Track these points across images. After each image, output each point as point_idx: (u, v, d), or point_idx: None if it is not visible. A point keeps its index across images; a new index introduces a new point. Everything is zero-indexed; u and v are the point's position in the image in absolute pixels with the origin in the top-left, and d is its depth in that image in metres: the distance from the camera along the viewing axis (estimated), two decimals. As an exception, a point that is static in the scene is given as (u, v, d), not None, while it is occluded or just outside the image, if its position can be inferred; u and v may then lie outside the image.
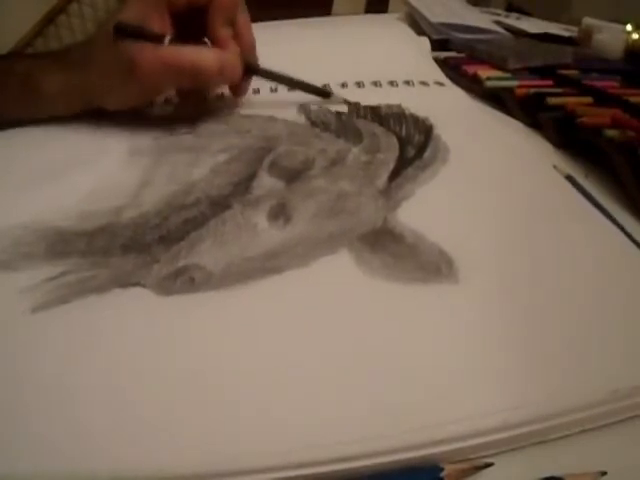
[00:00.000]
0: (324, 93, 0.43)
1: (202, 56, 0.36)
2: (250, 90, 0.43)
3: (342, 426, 0.19)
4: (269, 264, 0.26)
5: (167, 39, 0.36)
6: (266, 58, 0.49)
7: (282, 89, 0.45)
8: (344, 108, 0.42)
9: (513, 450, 0.19)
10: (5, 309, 0.24)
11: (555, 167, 0.35)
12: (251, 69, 0.40)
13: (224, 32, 0.38)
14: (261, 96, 0.44)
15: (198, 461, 0.18)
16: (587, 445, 0.20)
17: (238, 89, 0.42)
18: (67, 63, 0.39)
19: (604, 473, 0.18)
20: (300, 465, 0.18)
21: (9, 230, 0.28)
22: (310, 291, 0.25)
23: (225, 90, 0.43)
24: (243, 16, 0.40)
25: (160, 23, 0.37)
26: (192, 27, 0.38)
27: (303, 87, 0.43)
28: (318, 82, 0.46)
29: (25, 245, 0.28)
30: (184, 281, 0.25)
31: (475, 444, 0.19)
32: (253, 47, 0.41)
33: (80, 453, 0.18)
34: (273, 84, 0.44)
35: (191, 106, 0.42)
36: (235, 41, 0.38)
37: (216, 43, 0.38)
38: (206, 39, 0.39)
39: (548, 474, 0.18)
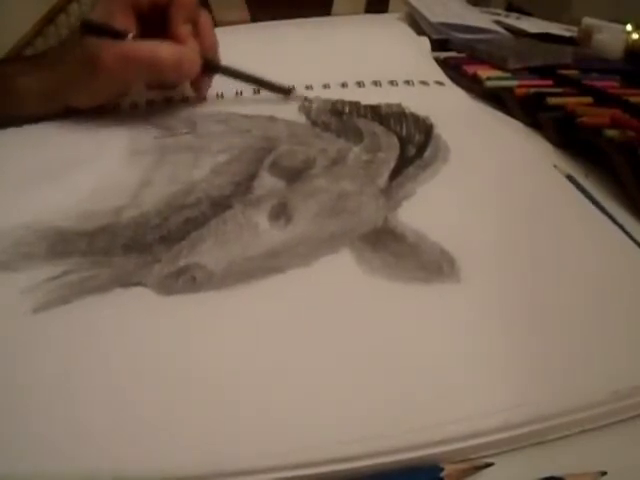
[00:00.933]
0: (285, 90, 0.43)
1: (160, 49, 0.37)
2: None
3: (342, 426, 0.19)
4: (270, 264, 0.26)
5: (130, 36, 0.38)
6: (266, 58, 0.49)
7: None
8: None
9: (513, 450, 0.19)
10: (6, 309, 0.24)
11: (555, 167, 0.35)
12: (211, 66, 0.42)
13: (183, 29, 0.39)
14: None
15: (199, 461, 0.18)
16: (587, 445, 0.20)
17: (199, 86, 0.43)
18: (41, 64, 0.40)
19: (604, 473, 0.18)
20: (300, 465, 0.18)
21: (10, 230, 0.28)
22: (311, 291, 0.25)
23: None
24: (204, 16, 0.42)
25: (125, 21, 0.39)
26: (156, 27, 0.39)
27: (264, 85, 0.44)
28: (320, 82, 0.46)
29: (26, 245, 0.28)
30: (185, 280, 0.25)
31: (475, 444, 0.19)
32: (214, 45, 0.43)
33: (81, 453, 0.18)
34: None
35: (158, 109, 0.43)
36: (196, 40, 0.40)
37: (176, 39, 0.39)
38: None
39: (548, 474, 0.18)
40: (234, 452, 0.18)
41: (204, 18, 0.42)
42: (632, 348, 0.22)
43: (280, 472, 0.18)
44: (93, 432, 0.19)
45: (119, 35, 0.38)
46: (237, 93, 0.45)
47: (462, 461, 0.19)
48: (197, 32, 0.40)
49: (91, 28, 0.38)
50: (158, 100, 0.44)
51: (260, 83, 0.44)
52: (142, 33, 0.39)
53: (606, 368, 0.21)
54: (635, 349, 0.22)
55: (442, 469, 0.18)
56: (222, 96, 0.44)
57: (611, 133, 0.35)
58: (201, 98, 0.44)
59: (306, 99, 0.43)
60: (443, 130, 0.38)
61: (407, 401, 0.20)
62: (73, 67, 0.38)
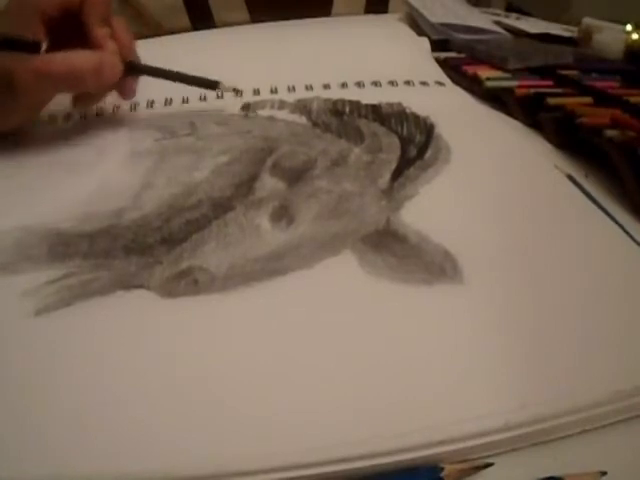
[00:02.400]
0: (211, 84, 0.41)
1: (78, 59, 0.35)
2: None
3: (343, 427, 0.19)
4: (272, 265, 0.26)
5: (43, 47, 0.35)
6: (266, 59, 0.49)
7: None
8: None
9: (513, 450, 0.19)
10: (7, 312, 0.24)
11: (556, 167, 0.35)
12: (132, 67, 0.39)
13: (100, 32, 0.37)
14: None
15: (200, 462, 0.18)
16: (587, 445, 0.20)
17: (124, 90, 0.40)
18: None
19: (604, 473, 0.18)
20: (301, 466, 0.18)
21: (10, 232, 0.29)
22: (314, 293, 0.25)
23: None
24: (117, 19, 0.39)
25: (35, 32, 0.36)
26: (69, 38, 0.37)
27: (189, 80, 0.41)
28: (320, 82, 0.46)
29: (27, 247, 0.28)
30: (187, 283, 0.25)
31: (476, 445, 0.19)
32: (132, 45, 0.40)
33: (83, 456, 0.18)
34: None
35: (89, 118, 0.42)
36: (113, 42, 0.38)
37: (94, 44, 0.37)
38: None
39: (548, 474, 0.18)
40: (235, 453, 0.18)
41: (117, 21, 0.39)
42: (633, 348, 0.22)
43: (280, 472, 0.18)
44: (95, 435, 0.19)
45: (31, 48, 0.35)
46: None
47: (462, 461, 0.19)
48: (113, 33, 0.38)
49: None
50: (82, 114, 0.42)
51: (185, 80, 0.41)
52: (55, 42, 0.36)
53: (608, 368, 0.21)
54: (636, 349, 0.22)
55: (442, 469, 0.18)
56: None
57: (611, 133, 0.35)
58: (128, 100, 0.41)
59: (235, 90, 0.41)
60: (444, 130, 0.38)
61: (408, 401, 0.20)
62: None
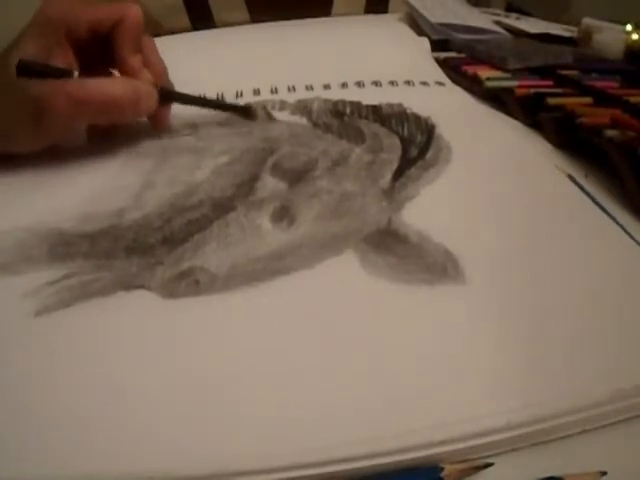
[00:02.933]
0: (249, 113, 0.41)
1: (115, 87, 0.34)
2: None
3: (343, 427, 0.19)
4: (274, 266, 0.26)
5: (76, 74, 0.33)
6: (266, 59, 0.49)
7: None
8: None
9: (513, 450, 0.19)
10: (7, 313, 0.24)
11: (556, 167, 0.35)
12: (166, 95, 0.38)
13: (135, 60, 0.35)
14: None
15: (201, 462, 0.18)
16: (587, 445, 0.20)
17: (157, 120, 0.39)
18: None
19: (604, 473, 0.18)
20: (301, 466, 0.18)
21: (11, 232, 0.29)
22: (315, 293, 0.25)
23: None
24: (147, 39, 0.38)
25: (63, 56, 0.34)
26: (97, 59, 0.36)
27: (224, 107, 0.41)
28: (320, 82, 0.46)
29: (27, 248, 0.28)
30: (188, 284, 0.25)
31: (476, 445, 0.19)
32: (165, 72, 0.39)
33: (83, 456, 0.18)
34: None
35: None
36: (146, 68, 0.36)
37: (127, 72, 0.35)
38: (113, 70, 0.37)
39: (548, 474, 0.18)
40: (236, 453, 0.18)
41: (148, 42, 0.38)
42: (634, 347, 0.22)
43: (281, 473, 0.18)
44: (95, 434, 0.19)
45: (62, 74, 0.33)
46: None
47: (462, 461, 0.19)
48: (145, 60, 0.36)
49: (29, 69, 0.32)
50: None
51: (218, 106, 0.41)
52: (84, 67, 0.35)
53: (608, 367, 0.21)
54: (637, 348, 0.22)
55: (442, 469, 0.18)
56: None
57: (611, 133, 0.35)
58: (161, 130, 0.39)
59: (267, 114, 0.41)
60: (445, 131, 0.38)
61: (408, 401, 0.20)
62: (13, 113, 0.34)
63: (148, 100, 0.35)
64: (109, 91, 0.33)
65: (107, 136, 0.38)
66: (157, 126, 0.39)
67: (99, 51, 0.36)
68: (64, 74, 0.33)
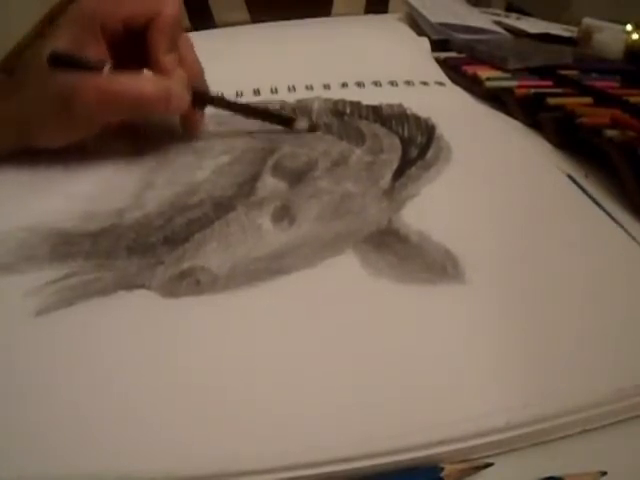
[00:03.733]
0: (287, 121, 0.39)
1: (145, 83, 0.33)
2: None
3: (343, 427, 0.19)
4: (274, 265, 0.26)
5: (107, 67, 0.33)
6: (267, 59, 0.49)
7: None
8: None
9: (513, 450, 0.19)
10: (9, 312, 0.24)
11: (556, 167, 0.35)
12: (200, 98, 0.37)
13: (168, 58, 0.34)
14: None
15: (201, 462, 0.18)
16: (587, 445, 0.20)
17: (190, 122, 0.38)
18: (3, 91, 0.35)
19: (604, 473, 0.18)
20: (300, 466, 0.18)
21: (13, 232, 0.29)
22: (316, 293, 0.25)
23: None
24: (184, 37, 0.37)
25: (96, 50, 0.34)
26: (132, 55, 0.35)
27: (263, 115, 0.39)
28: (320, 82, 0.46)
29: (28, 247, 0.28)
30: (189, 283, 0.25)
31: (476, 444, 0.19)
32: (201, 73, 0.38)
33: (85, 456, 0.18)
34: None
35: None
36: (180, 67, 0.35)
37: (160, 71, 0.34)
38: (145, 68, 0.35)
39: (548, 474, 0.18)
40: (236, 453, 0.18)
41: (186, 41, 0.37)
42: (634, 347, 0.22)
43: (280, 473, 0.18)
44: (97, 435, 0.19)
45: (94, 67, 0.33)
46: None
47: (462, 461, 0.19)
48: (180, 59, 0.35)
49: (61, 60, 0.32)
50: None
51: (259, 114, 0.39)
52: (116, 60, 0.34)
53: (608, 367, 0.21)
54: (637, 348, 0.22)
55: (442, 469, 0.18)
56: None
57: (611, 133, 0.35)
58: (193, 135, 0.38)
59: (311, 127, 0.39)
60: (445, 131, 0.38)
61: (408, 401, 0.20)
62: (41, 102, 0.33)
63: (179, 100, 0.35)
64: (139, 88, 0.33)
65: (132, 135, 0.38)
66: (189, 130, 0.38)
67: (133, 47, 0.35)
68: (96, 67, 0.33)
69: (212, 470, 0.18)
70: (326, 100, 0.43)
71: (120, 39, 0.35)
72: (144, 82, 0.33)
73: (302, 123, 0.39)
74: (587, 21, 0.58)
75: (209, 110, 0.39)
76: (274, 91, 0.45)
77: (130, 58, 0.34)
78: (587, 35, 0.57)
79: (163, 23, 0.34)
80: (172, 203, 0.31)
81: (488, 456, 0.19)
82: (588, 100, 0.42)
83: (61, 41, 0.33)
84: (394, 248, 0.27)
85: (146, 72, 0.34)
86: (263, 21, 0.60)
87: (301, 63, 0.49)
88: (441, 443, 0.19)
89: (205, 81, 0.38)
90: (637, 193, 0.32)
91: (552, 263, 0.27)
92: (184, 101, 0.35)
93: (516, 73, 0.49)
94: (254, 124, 0.40)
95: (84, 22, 0.34)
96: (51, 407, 0.20)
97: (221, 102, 0.38)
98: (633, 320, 0.24)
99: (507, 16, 0.69)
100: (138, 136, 0.39)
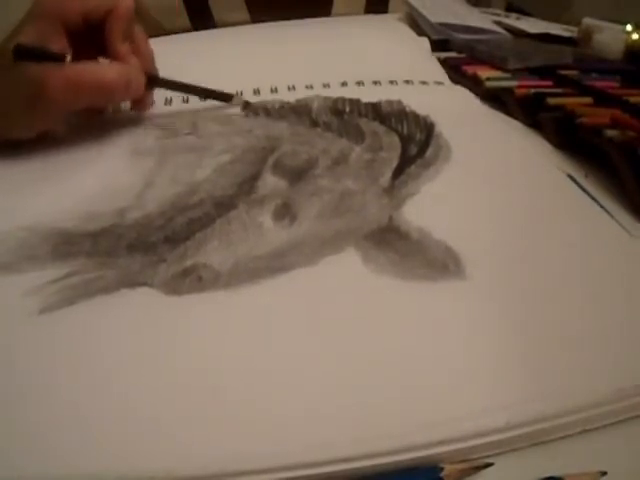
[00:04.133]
0: (225, 96, 0.43)
1: (107, 72, 0.35)
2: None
3: (343, 427, 0.19)
4: (276, 263, 0.26)
5: (68, 58, 0.35)
6: (267, 59, 0.49)
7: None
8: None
9: (513, 450, 0.19)
10: (11, 311, 0.24)
11: (556, 167, 0.35)
12: (152, 81, 0.40)
13: (123, 47, 0.37)
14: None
15: (201, 462, 0.18)
16: (587, 445, 0.20)
17: (142, 103, 0.41)
18: None
19: (604, 473, 0.18)
20: (300, 466, 0.18)
21: (14, 232, 0.29)
22: (317, 290, 0.25)
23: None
24: (138, 28, 0.40)
25: (59, 43, 0.36)
26: (89, 47, 0.37)
27: (203, 93, 0.43)
28: (320, 82, 0.46)
29: (30, 247, 0.28)
30: (192, 280, 0.26)
31: (476, 444, 0.19)
32: (152, 59, 0.41)
33: (86, 455, 0.18)
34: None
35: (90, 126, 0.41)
36: (135, 55, 0.38)
37: (117, 59, 0.37)
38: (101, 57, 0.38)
39: (548, 474, 0.18)
40: (236, 452, 0.18)
41: (138, 31, 0.40)
42: (634, 347, 0.22)
43: (280, 472, 0.18)
44: (97, 433, 0.19)
45: (56, 58, 0.34)
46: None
47: (462, 461, 0.19)
48: (134, 47, 0.38)
49: (25, 53, 0.34)
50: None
51: (200, 92, 0.43)
52: (76, 52, 0.36)
53: (608, 367, 0.22)
54: (637, 348, 0.22)
55: (442, 469, 0.18)
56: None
57: (611, 133, 0.35)
58: (143, 111, 0.42)
59: (246, 103, 0.42)
60: (444, 129, 0.38)
61: (408, 401, 0.20)
62: (10, 97, 0.35)
63: (137, 85, 0.37)
64: (102, 75, 0.35)
65: (94, 121, 0.40)
66: (141, 109, 0.42)
67: (92, 39, 0.37)
68: (58, 58, 0.35)
69: (212, 470, 0.18)
70: (326, 98, 0.43)
71: (79, 31, 0.37)
72: (106, 69, 0.36)
73: (239, 100, 0.43)
74: (587, 21, 0.58)
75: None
76: (274, 91, 0.45)
77: (88, 49, 0.37)
78: (587, 35, 0.57)
79: (119, 15, 0.37)
80: (173, 203, 0.31)
81: (488, 456, 0.19)
82: (588, 100, 0.42)
83: (25, 36, 0.35)
84: (395, 245, 0.27)
85: (103, 60, 0.37)
86: (263, 21, 0.59)
87: (301, 63, 0.49)
88: (441, 443, 0.19)
89: (155, 65, 0.41)
90: (637, 193, 0.32)
91: (552, 262, 0.27)
92: (141, 85, 0.38)
93: (516, 73, 0.49)
94: (254, 123, 0.40)
95: (46, 18, 0.36)
96: (51, 407, 0.20)
97: (169, 83, 0.42)
98: (633, 320, 0.24)
99: (507, 16, 0.69)
100: (139, 135, 0.39)
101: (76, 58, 0.35)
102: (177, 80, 0.41)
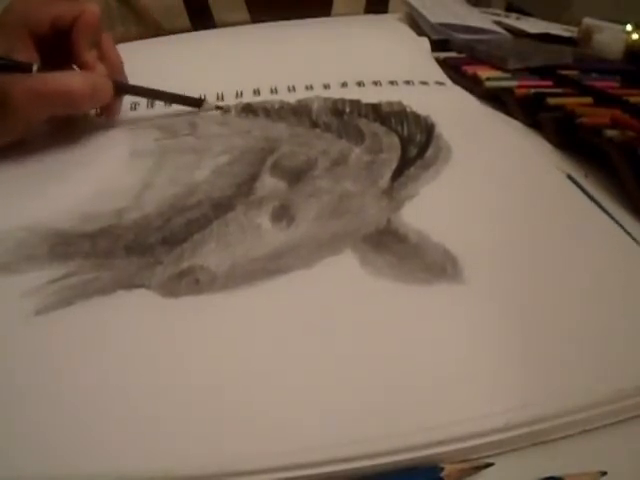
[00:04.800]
0: (196, 102, 0.42)
1: (73, 80, 0.35)
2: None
3: (342, 427, 0.19)
4: (273, 265, 0.26)
5: (35, 67, 0.35)
6: (267, 59, 0.49)
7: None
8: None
9: (513, 450, 0.19)
10: (8, 312, 0.24)
11: (556, 167, 0.35)
12: (120, 88, 0.40)
13: (90, 55, 0.37)
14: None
15: (200, 462, 0.18)
16: (587, 445, 0.20)
17: (110, 110, 0.40)
18: None
19: (604, 473, 0.18)
20: (300, 466, 0.18)
21: (11, 232, 0.29)
22: (315, 292, 0.25)
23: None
24: (105, 36, 0.40)
25: (25, 52, 0.36)
26: (58, 54, 0.37)
27: (173, 99, 0.42)
28: (320, 82, 0.46)
29: (27, 247, 0.28)
30: (188, 282, 0.25)
31: (476, 445, 0.19)
32: (120, 65, 0.41)
33: (84, 455, 0.18)
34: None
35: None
36: (102, 62, 0.38)
37: (83, 67, 0.37)
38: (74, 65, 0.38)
39: (548, 474, 0.18)
40: (235, 452, 0.18)
41: (106, 38, 0.40)
42: (634, 347, 0.22)
43: (280, 473, 0.18)
44: (97, 434, 0.19)
45: (23, 68, 0.34)
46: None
47: (462, 461, 0.19)
48: (102, 54, 0.39)
49: None
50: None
51: (170, 98, 0.42)
52: (44, 60, 0.37)
53: (608, 368, 0.21)
54: (637, 348, 0.22)
55: (442, 469, 0.18)
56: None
57: (611, 133, 0.35)
58: (112, 119, 0.41)
59: (217, 108, 0.42)
60: (444, 130, 0.38)
61: (407, 401, 0.20)
62: None
63: (104, 92, 0.37)
64: (68, 84, 0.35)
65: (66, 129, 0.40)
66: (109, 116, 0.41)
67: (60, 47, 0.37)
68: (25, 68, 0.35)
69: (212, 470, 0.18)
70: (326, 99, 0.43)
71: (48, 39, 0.37)
72: (71, 78, 0.35)
73: (209, 105, 0.42)
74: (587, 21, 0.58)
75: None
76: (274, 91, 0.45)
77: (57, 57, 0.37)
78: (587, 35, 0.57)
79: (85, 22, 0.37)
80: (171, 204, 0.31)
81: (488, 456, 0.19)
82: (588, 100, 0.42)
83: None
84: (393, 248, 0.27)
85: (75, 69, 0.37)
86: (263, 21, 0.59)
87: (301, 63, 0.49)
88: (441, 443, 0.19)
89: (123, 72, 0.41)
90: (637, 193, 0.32)
91: (552, 263, 0.27)
92: (108, 92, 0.38)
93: (516, 73, 0.49)
94: (254, 124, 0.40)
95: (12, 26, 0.36)
96: (51, 407, 0.20)
97: (137, 90, 0.41)
98: (633, 320, 0.24)
99: (507, 16, 0.69)
100: (137, 136, 0.39)
101: (46, 66, 0.35)
102: (145, 87, 0.41)
